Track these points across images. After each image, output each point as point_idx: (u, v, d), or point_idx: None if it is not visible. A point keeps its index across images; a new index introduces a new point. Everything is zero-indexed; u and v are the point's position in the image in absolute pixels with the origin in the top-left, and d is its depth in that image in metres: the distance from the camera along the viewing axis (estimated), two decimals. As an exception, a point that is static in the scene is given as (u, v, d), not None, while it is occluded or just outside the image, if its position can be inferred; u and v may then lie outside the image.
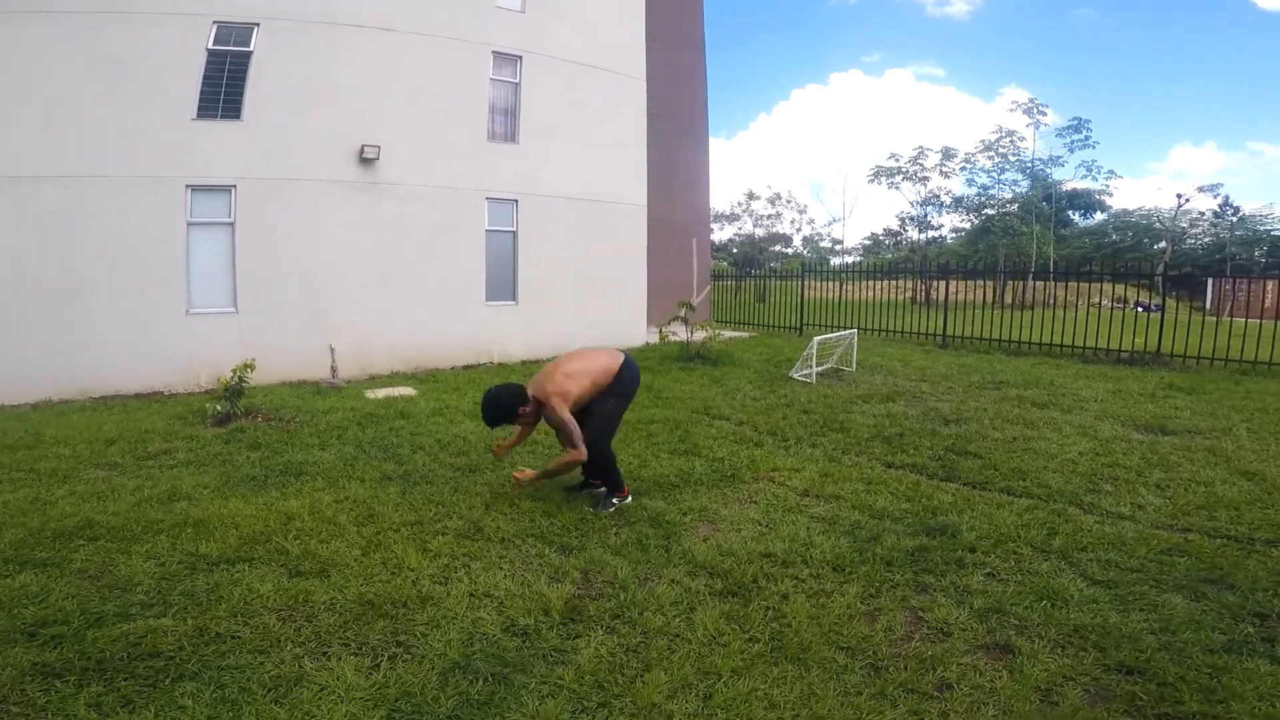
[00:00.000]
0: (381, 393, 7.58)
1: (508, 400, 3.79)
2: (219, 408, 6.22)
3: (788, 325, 14.44)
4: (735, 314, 16.19)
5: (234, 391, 6.28)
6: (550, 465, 3.94)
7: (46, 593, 2.76)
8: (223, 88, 8.24)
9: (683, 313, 9.36)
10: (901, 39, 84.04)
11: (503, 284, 10.32)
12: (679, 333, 9.77)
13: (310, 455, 4.97)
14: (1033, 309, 14.58)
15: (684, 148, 16.91)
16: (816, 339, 8.01)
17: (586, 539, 3.46)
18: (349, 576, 2.98)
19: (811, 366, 7.94)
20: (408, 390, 7.74)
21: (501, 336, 10.17)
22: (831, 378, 8.22)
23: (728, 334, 11.97)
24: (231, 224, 8.18)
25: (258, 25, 8.33)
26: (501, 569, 3.10)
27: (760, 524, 3.69)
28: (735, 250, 46.85)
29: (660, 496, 4.09)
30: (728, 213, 47.19)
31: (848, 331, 9.11)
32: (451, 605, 2.73)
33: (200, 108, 8.10)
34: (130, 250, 7.74)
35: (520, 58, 10.30)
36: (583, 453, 3.71)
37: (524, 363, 9.92)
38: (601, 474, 3.98)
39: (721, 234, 47.61)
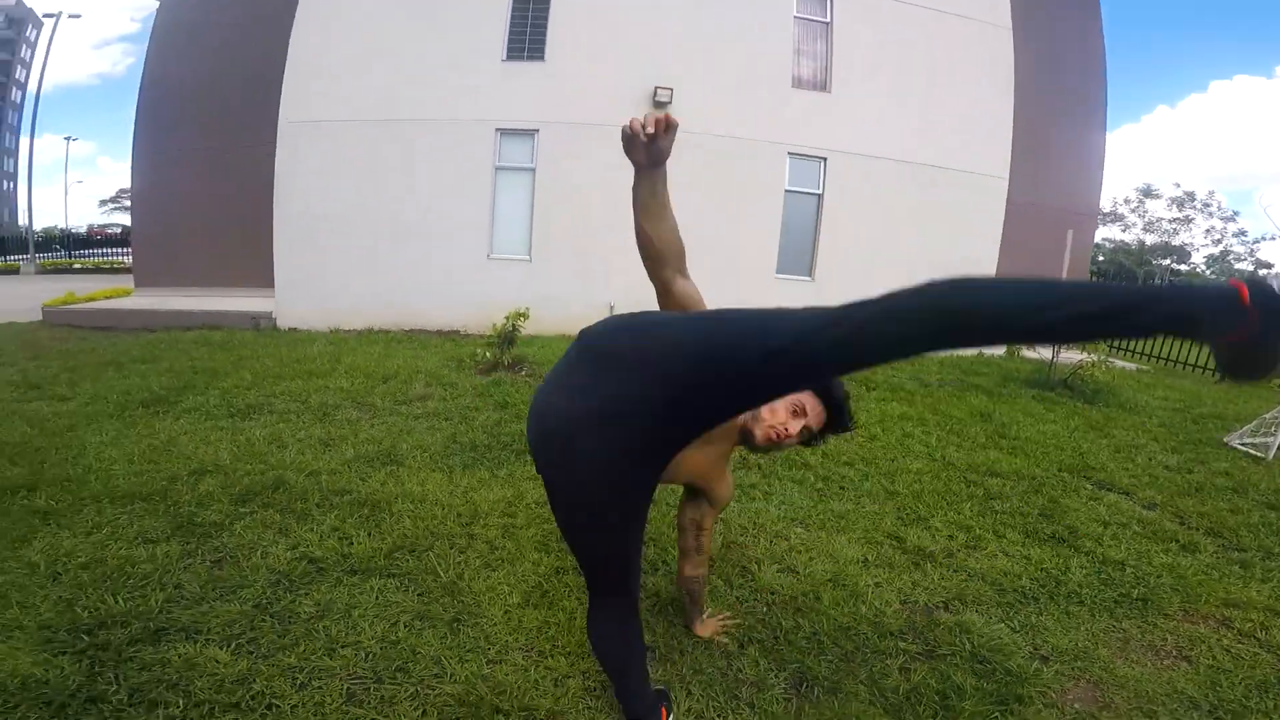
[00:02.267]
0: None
1: None
2: (489, 355, 6.20)
3: (1196, 363, 10.27)
4: (1110, 335, 12.28)
5: (505, 339, 6.22)
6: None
7: (156, 574, 2.37)
8: (528, 27, 8.39)
9: (1043, 320, 6.89)
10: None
11: (798, 256, 9.00)
12: (1038, 347, 7.32)
13: (542, 429, 4.39)
14: None
15: (1069, 119, 13.26)
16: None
17: (848, 668, 2.10)
18: (481, 640, 2.12)
19: (1274, 436, 5.06)
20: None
21: (788, 316, 8.92)
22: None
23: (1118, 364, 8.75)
24: (533, 170, 8.32)
25: (561, -39, 8.29)
26: (682, 663, 1.93)
27: (1199, 709, 1.94)
28: (1102, 259, 37.75)
29: (1000, 613, 2.48)
30: (1107, 210, 38.27)
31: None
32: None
33: (509, 49, 8.34)
34: (447, 194, 8.34)
35: (830, -8, 8.78)
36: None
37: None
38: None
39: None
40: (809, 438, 1.82)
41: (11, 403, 4.53)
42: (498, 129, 8.36)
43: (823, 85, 8.98)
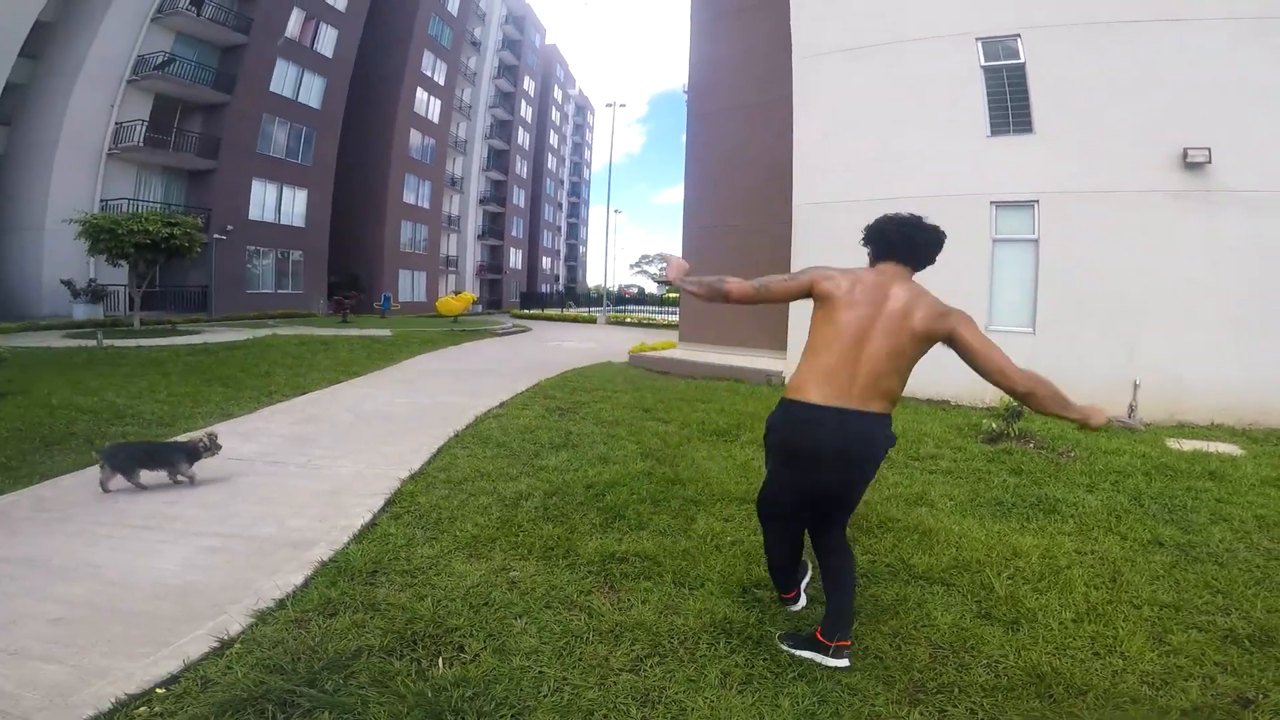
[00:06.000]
0: (1189, 445, 6.25)
1: None
2: (994, 425, 6.53)
3: None
4: None
5: (1013, 413, 6.45)
6: None
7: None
8: (1007, 102, 8.63)
9: None
10: None
11: None
12: None
13: (1071, 494, 4.60)
14: None
15: None
16: None
17: None
18: (1039, 639, 2.64)
19: None
20: (1229, 448, 6.11)
21: None
22: None
23: None
24: (1035, 240, 8.34)
25: (1019, 36, 8.41)
26: None
27: None
28: None
29: None
30: None
31: None
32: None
33: (992, 124, 8.71)
34: (943, 266, 8.96)
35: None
36: None
37: None
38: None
39: None
40: None
41: (640, 420, 6.82)
42: (993, 202, 8.67)
43: None
